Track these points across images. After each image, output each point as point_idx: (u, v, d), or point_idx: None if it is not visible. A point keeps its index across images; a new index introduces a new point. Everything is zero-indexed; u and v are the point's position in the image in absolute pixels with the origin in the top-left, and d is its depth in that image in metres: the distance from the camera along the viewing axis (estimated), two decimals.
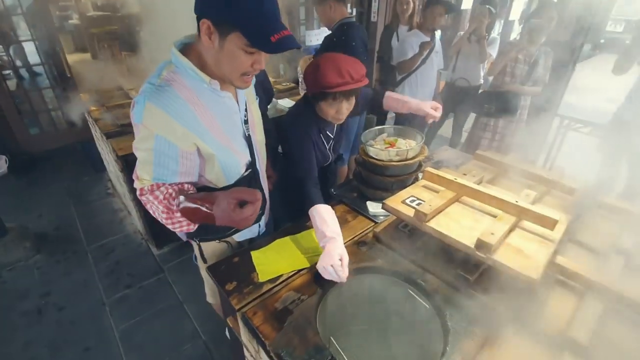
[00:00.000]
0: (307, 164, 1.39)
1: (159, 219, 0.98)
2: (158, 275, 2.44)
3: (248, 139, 1.14)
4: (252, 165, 1.17)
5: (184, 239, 1.30)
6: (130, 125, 2.58)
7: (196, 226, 1.01)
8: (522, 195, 1.24)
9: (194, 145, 0.96)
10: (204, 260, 1.33)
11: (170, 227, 0.99)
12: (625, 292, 0.90)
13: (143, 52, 3.14)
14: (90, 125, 3.04)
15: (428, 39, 2.76)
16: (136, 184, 0.97)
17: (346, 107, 1.33)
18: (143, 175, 0.94)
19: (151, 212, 0.99)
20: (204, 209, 0.90)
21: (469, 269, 1.07)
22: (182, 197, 0.93)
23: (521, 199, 1.14)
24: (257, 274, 1.14)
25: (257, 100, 1.24)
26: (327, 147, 1.56)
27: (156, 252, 2.63)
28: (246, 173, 1.15)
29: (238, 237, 1.34)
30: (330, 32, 2.44)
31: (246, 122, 1.13)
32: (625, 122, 2.30)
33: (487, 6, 2.86)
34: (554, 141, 3.22)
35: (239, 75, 0.93)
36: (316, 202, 1.25)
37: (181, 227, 0.98)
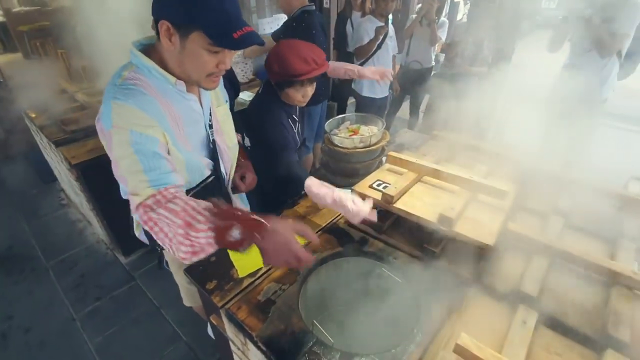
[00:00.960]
0: (288, 150, 1.43)
1: (163, 239, 0.77)
2: (129, 283, 2.36)
3: (213, 143, 1.13)
4: (215, 171, 1.16)
5: (147, 241, 1.27)
6: (82, 130, 2.42)
7: (212, 250, 0.76)
8: (475, 170, 1.35)
9: (165, 139, 0.90)
10: (164, 265, 1.31)
11: (177, 246, 0.75)
12: (565, 248, 1.04)
13: (83, 49, 2.92)
14: (33, 133, 2.81)
15: (382, 24, 2.83)
16: (134, 202, 0.81)
17: (310, 90, 1.42)
18: (138, 187, 0.81)
19: (155, 229, 0.78)
20: (257, 235, 0.72)
21: (434, 242, 1.17)
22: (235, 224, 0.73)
23: (475, 174, 1.26)
24: (237, 270, 1.16)
25: (227, 103, 1.21)
26: (295, 131, 1.60)
27: (124, 261, 2.53)
28: (210, 179, 1.14)
29: None
30: (287, 18, 2.43)
31: (211, 126, 1.11)
32: (560, 94, 2.53)
33: None
34: (501, 116, 3.46)
35: (205, 77, 0.91)
36: (307, 177, 1.30)
37: (193, 251, 0.74)
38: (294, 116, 1.56)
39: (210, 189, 1.15)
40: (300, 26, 2.31)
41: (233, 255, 1.22)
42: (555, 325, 0.91)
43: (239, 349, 1.16)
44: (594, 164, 1.54)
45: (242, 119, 1.53)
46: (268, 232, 0.72)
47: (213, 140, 1.13)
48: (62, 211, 3.09)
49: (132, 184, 0.82)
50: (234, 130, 1.24)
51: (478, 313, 0.98)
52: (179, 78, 0.93)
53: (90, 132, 2.30)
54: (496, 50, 2.74)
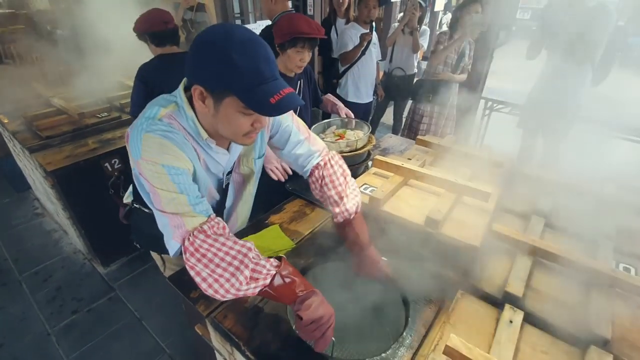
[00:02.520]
0: None
1: (215, 267, 0.80)
2: (109, 294, 2.27)
3: (226, 187, 1.11)
4: (219, 205, 1.15)
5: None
6: (58, 136, 2.33)
7: (260, 290, 0.83)
8: (459, 173, 1.38)
9: (190, 171, 0.90)
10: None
11: (234, 274, 0.80)
12: (547, 247, 1.07)
13: (61, 53, 2.85)
14: (5, 140, 2.70)
15: (366, 30, 2.87)
16: (182, 229, 0.82)
17: (307, 57, 1.61)
18: (185, 213, 0.82)
19: (204, 262, 0.80)
20: (299, 290, 0.84)
21: (421, 244, 1.17)
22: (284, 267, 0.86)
23: (459, 177, 1.28)
24: None
25: (262, 158, 1.15)
26: None
27: (103, 271, 2.44)
28: None
29: None
30: (270, 23, 2.43)
31: (229, 173, 1.08)
32: (538, 100, 2.62)
33: (418, 0, 3.06)
34: (482, 121, 3.56)
35: (241, 136, 0.87)
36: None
37: (246, 285, 0.81)
38: None
39: None
40: None
41: None
42: (541, 323, 0.93)
43: (225, 359, 1.13)
44: (571, 167, 1.59)
45: None
46: (319, 296, 0.85)
47: (227, 185, 1.11)
48: (36, 221, 2.96)
49: (173, 208, 0.82)
50: (257, 180, 1.21)
51: (466, 314, 0.98)
52: (211, 135, 0.91)
53: (67, 138, 2.23)
54: (476, 58, 2.82)
